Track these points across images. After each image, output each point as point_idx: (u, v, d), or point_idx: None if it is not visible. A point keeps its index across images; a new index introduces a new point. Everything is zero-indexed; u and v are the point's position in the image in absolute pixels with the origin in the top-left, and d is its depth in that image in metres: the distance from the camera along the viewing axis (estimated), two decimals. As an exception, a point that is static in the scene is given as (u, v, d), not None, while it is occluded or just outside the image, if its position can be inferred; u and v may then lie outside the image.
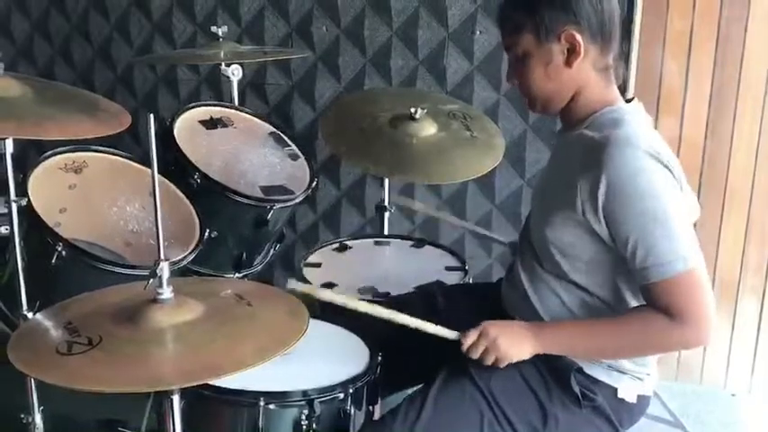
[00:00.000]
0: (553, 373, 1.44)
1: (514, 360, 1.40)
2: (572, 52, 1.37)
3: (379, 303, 1.48)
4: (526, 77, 1.42)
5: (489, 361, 1.40)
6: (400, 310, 1.47)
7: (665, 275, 1.28)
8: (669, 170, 1.32)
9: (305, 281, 1.94)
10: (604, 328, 1.40)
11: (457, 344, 1.43)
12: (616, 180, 1.29)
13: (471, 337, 1.41)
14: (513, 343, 1.39)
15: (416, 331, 1.45)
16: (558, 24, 1.36)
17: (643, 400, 1.47)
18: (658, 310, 1.31)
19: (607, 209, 1.30)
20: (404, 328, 1.45)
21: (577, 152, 1.37)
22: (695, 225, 1.38)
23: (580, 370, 1.43)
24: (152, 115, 1.18)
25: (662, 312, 1.31)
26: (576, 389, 1.42)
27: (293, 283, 1.46)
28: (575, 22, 1.35)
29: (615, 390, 1.44)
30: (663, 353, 1.45)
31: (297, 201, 2.10)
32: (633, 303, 1.41)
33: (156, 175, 1.24)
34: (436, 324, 1.45)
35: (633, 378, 1.44)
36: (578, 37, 1.36)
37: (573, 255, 1.40)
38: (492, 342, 1.39)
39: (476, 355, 1.40)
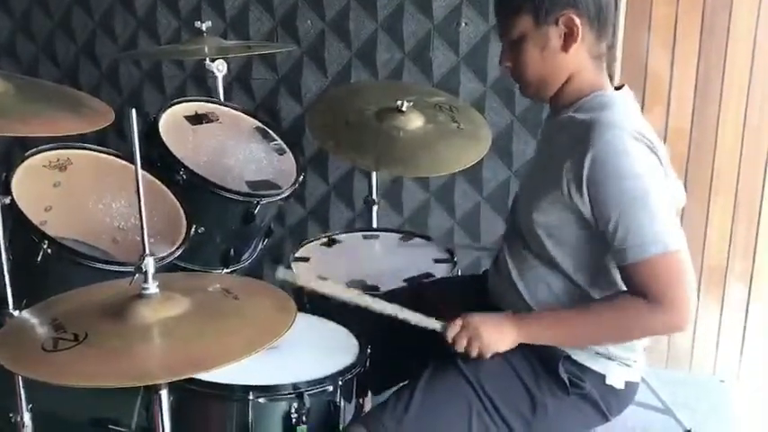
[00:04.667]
0: (541, 361, 1.44)
1: (499, 350, 1.41)
2: (569, 37, 1.37)
3: (371, 297, 1.48)
4: (521, 61, 1.41)
5: (474, 352, 1.41)
6: (389, 302, 1.47)
7: (644, 256, 1.28)
8: (655, 154, 1.33)
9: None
10: (584, 315, 1.40)
11: (443, 335, 1.43)
12: (600, 159, 1.29)
13: (454, 327, 1.41)
14: (495, 333, 1.40)
15: (403, 323, 1.45)
16: (557, 7, 1.36)
17: (631, 387, 1.48)
18: (638, 294, 1.31)
19: (590, 188, 1.31)
20: (390, 319, 1.45)
21: (564, 134, 1.38)
22: (682, 212, 1.38)
23: (568, 357, 1.43)
24: (133, 110, 1.17)
25: (641, 296, 1.30)
26: (565, 376, 1.42)
27: (282, 272, 1.45)
28: (574, 6, 1.35)
29: (603, 376, 1.44)
30: (644, 337, 1.45)
31: (284, 195, 2.10)
32: (619, 286, 1.40)
33: (140, 171, 1.23)
34: (422, 315, 1.45)
35: (621, 365, 1.45)
36: (577, 21, 1.35)
37: (559, 238, 1.40)
38: (474, 332, 1.40)
39: (460, 346, 1.41)
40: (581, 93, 1.42)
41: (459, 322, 1.41)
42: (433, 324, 1.45)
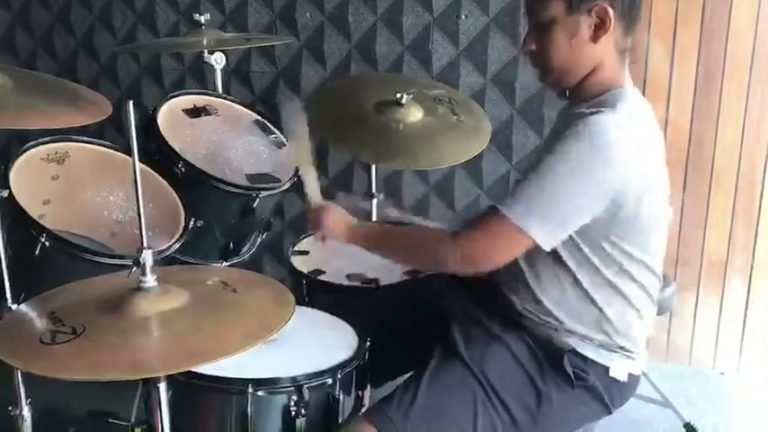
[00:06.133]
0: (546, 354, 1.44)
1: (329, 236, 1.60)
2: (600, 27, 1.35)
3: (370, 290, 1.50)
4: (546, 46, 1.39)
5: (313, 227, 1.62)
6: (390, 296, 1.46)
7: (498, 205, 1.34)
8: (621, 175, 1.30)
9: (294, 269, 1.93)
10: (402, 231, 1.68)
11: (442, 326, 1.44)
12: (571, 134, 1.30)
13: (318, 204, 1.64)
14: (334, 220, 1.58)
15: (406, 301, 1.49)
16: None
17: (633, 379, 1.48)
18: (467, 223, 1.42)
19: (549, 144, 1.35)
20: (393, 306, 1.47)
21: (567, 125, 1.36)
22: (682, 207, 1.37)
23: (573, 351, 1.43)
24: (131, 102, 1.17)
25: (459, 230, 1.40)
26: (569, 369, 1.42)
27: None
28: None
29: (607, 369, 1.44)
30: (431, 261, 1.50)
31: (283, 188, 2.09)
32: (633, 273, 1.40)
33: (138, 164, 1.23)
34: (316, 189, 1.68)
35: (624, 356, 1.45)
36: (610, 12, 1.34)
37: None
38: (322, 214, 1.59)
39: (311, 214, 1.63)
40: (601, 87, 1.40)
41: (324, 204, 1.63)
42: (315, 196, 1.69)
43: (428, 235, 1.54)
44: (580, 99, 1.42)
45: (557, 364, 1.43)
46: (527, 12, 1.43)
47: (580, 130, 1.29)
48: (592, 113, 1.32)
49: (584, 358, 1.44)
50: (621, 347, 1.45)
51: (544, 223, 1.32)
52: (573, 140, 1.29)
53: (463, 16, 2.55)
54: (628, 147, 1.31)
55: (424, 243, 1.49)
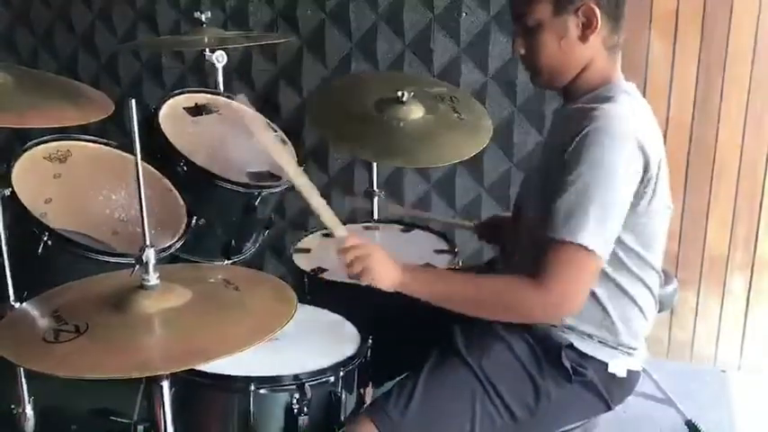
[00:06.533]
0: (544, 349, 1.44)
1: (376, 283, 1.37)
2: (587, 27, 1.36)
3: (371, 288, 1.46)
4: (536, 49, 1.40)
5: (354, 269, 1.37)
6: (392, 293, 1.44)
7: (561, 236, 1.28)
8: (644, 155, 1.32)
9: (295, 267, 1.94)
10: (467, 281, 1.43)
11: (444, 325, 1.43)
12: (581, 141, 1.29)
13: (354, 239, 1.40)
14: (381, 266, 1.37)
15: (406, 302, 1.42)
16: None
17: (633, 376, 1.48)
18: (535, 265, 1.31)
19: (569, 157, 1.30)
20: (395, 304, 1.44)
21: (569, 124, 1.37)
22: (683, 203, 1.37)
23: (571, 346, 1.43)
24: (133, 100, 1.17)
25: (537, 266, 1.31)
26: (567, 364, 1.42)
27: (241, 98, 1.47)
28: None
29: (606, 364, 1.44)
30: (520, 317, 1.41)
31: (284, 186, 2.09)
32: (635, 271, 1.41)
33: (140, 163, 1.23)
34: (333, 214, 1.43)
35: (623, 353, 1.45)
36: (597, 11, 1.35)
37: None
38: (365, 254, 1.37)
39: (347, 258, 1.38)
40: (594, 83, 1.41)
41: (360, 239, 1.40)
42: (339, 229, 1.41)
43: (504, 282, 1.38)
44: (574, 97, 1.44)
45: (555, 359, 1.43)
46: (514, 16, 1.44)
47: (592, 131, 1.29)
48: (592, 110, 1.32)
49: (583, 354, 1.44)
50: (621, 344, 1.45)
51: (607, 239, 1.31)
52: (594, 145, 1.28)
53: (464, 14, 2.54)
54: (639, 130, 1.32)
55: (501, 292, 1.37)
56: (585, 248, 1.28)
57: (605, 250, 1.32)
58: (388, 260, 1.39)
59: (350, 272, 1.39)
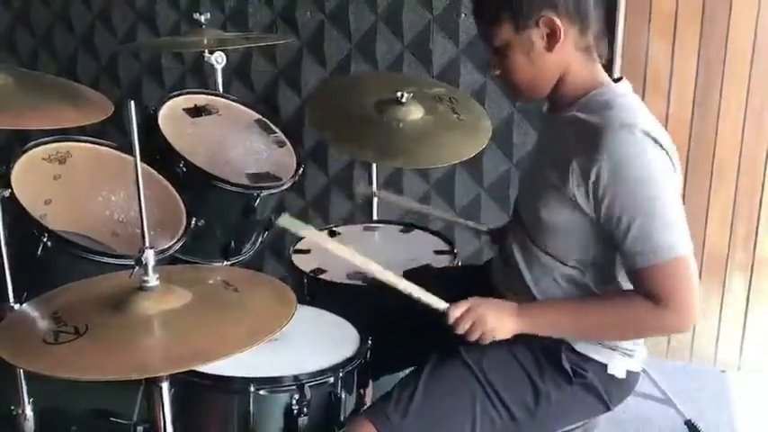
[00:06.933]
0: (544, 351, 1.45)
1: (498, 337, 1.40)
2: (551, 37, 1.36)
3: (371, 289, 1.47)
4: (508, 68, 1.40)
5: (474, 336, 1.40)
6: (391, 294, 1.45)
7: (654, 262, 1.29)
8: (666, 152, 1.32)
9: (295, 267, 1.94)
10: (588, 309, 1.41)
11: (446, 321, 1.43)
12: (615, 164, 1.28)
13: (460, 308, 1.41)
14: (498, 319, 1.40)
15: (406, 300, 1.43)
16: (534, 10, 1.34)
17: (632, 377, 1.48)
18: (645, 296, 1.32)
19: (602, 192, 1.30)
20: (394, 297, 1.44)
21: (571, 134, 1.36)
22: (683, 202, 1.38)
23: (570, 347, 1.43)
24: (132, 102, 1.17)
25: (647, 297, 1.31)
26: (567, 366, 1.43)
27: (284, 220, 1.45)
28: (551, 5, 1.34)
29: (605, 366, 1.44)
30: (645, 336, 1.46)
31: (284, 188, 2.10)
32: (624, 282, 1.41)
33: (140, 164, 1.23)
34: (428, 292, 1.44)
35: (622, 354, 1.45)
36: (557, 21, 1.34)
37: (566, 234, 1.40)
38: (479, 317, 1.39)
39: (461, 328, 1.40)
40: (581, 90, 1.40)
41: (464, 305, 1.40)
42: (438, 303, 1.43)
43: (626, 308, 1.37)
44: (563, 104, 1.43)
45: (555, 361, 1.44)
46: (482, 40, 1.44)
47: (616, 158, 1.28)
48: (597, 133, 1.30)
49: (582, 355, 1.44)
50: (620, 345, 1.45)
51: (687, 235, 1.32)
52: (626, 168, 1.28)
53: (463, 15, 2.55)
54: (652, 131, 1.31)
55: (628, 320, 1.37)
56: (681, 258, 1.29)
57: (690, 244, 1.32)
58: (500, 311, 1.41)
59: (470, 338, 1.40)
